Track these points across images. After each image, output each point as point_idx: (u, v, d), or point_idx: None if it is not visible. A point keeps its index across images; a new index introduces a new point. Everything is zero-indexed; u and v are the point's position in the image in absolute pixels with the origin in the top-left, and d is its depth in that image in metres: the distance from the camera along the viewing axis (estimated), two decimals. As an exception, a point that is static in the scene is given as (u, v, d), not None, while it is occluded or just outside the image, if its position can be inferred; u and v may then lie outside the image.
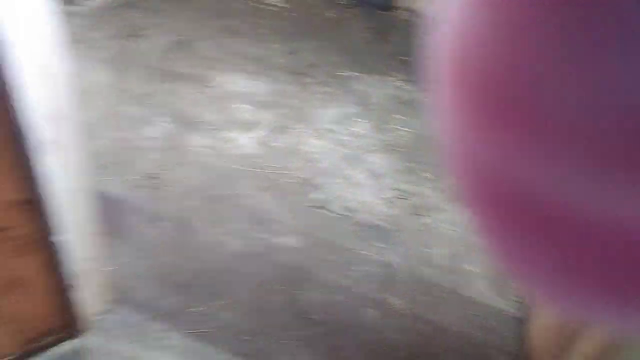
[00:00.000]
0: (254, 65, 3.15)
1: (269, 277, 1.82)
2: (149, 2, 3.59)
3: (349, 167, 2.36)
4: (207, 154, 2.34)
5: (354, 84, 3.05)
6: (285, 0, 4.16)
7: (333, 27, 3.91)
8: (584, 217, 0.13)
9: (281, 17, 3.91)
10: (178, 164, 2.25)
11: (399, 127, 2.63)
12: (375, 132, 2.59)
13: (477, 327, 1.82)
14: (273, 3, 4.18)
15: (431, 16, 0.16)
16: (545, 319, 1.58)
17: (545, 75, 0.12)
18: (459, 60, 0.14)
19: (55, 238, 1.21)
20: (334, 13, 4.17)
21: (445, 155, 0.17)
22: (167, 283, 1.73)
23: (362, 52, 3.38)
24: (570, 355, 1.26)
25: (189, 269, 1.79)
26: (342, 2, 4.31)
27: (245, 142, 2.46)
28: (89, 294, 1.42)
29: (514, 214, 0.15)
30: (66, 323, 1.38)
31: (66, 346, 1.45)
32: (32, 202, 1.13)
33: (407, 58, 3.02)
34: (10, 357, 1.32)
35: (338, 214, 2.12)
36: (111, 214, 1.82)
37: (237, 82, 2.94)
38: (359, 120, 2.70)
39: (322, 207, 2.14)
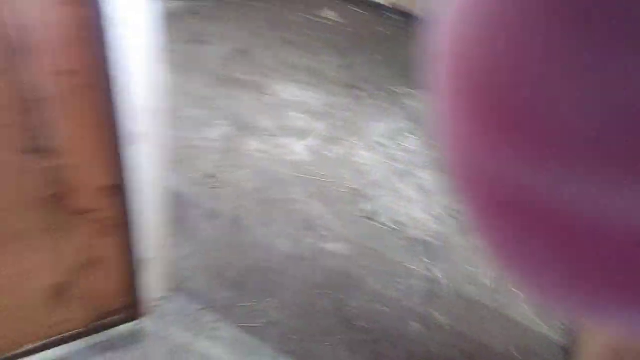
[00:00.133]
0: (308, 76, 3.24)
1: (317, 281, 1.87)
2: (211, 11, 3.77)
3: (399, 181, 2.40)
4: (261, 158, 2.43)
5: (405, 100, 3.10)
6: (340, 15, 4.27)
7: (386, 42, 3.99)
8: (586, 220, 0.13)
9: (336, 31, 4.01)
10: (234, 165, 2.35)
11: (450, 146, 2.64)
12: (426, 149, 2.61)
13: (520, 350, 1.81)
14: (328, 17, 4.30)
15: (430, 20, 0.16)
16: (593, 349, 1.56)
17: (545, 79, 0.12)
18: (457, 64, 0.15)
19: (133, 223, 1.30)
20: (387, 28, 4.25)
21: (446, 161, 0.17)
22: (220, 277, 1.81)
23: (414, 68, 3.42)
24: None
25: (241, 266, 1.86)
26: (395, 18, 4.39)
27: (298, 149, 2.54)
28: (152, 280, 1.51)
29: (516, 218, 0.15)
30: (130, 305, 1.47)
31: (126, 327, 1.54)
32: (118, 188, 1.23)
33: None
34: (79, 331, 1.42)
35: (387, 227, 2.15)
36: (173, 207, 1.92)
37: (292, 92, 3.03)
38: (410, 135, 2.73)
39: (371, 219, 2.18)
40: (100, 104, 1.10)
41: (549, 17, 0.12)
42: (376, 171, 2.45)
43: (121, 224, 1.28)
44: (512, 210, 0.14)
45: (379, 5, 4.57)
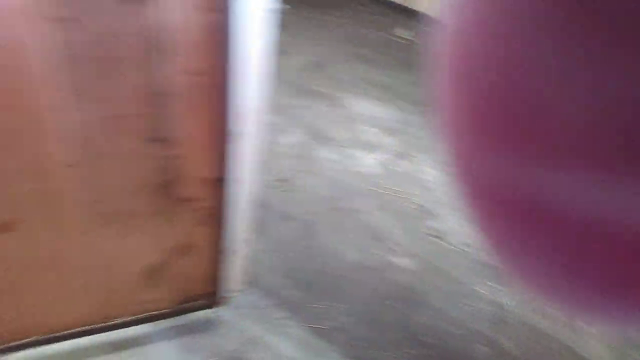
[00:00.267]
0: (381, 91, 3.30)
1: (383, 293, 1.89)
2: (292, 23, 3.92)
3: (469, 202, 2.38)
4: (333, 167, 2.49)
5: (477, 123, 3.08)
6: (414, 34, 4.31)
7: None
8: (585, 219, 0.13)
9: (409, 49, 4.05)
10: (307, 172, 2.43)
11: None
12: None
13: (590, 390, 1.74)
14: (402, 36, 4.35)
15: (434, 30, 0.16)
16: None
17: (543, 78, 0.12)
18: (456, 65, 0.15)
19: (227, 215, 1.39)
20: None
21: (450, 165, 0.17)
22: (291, 277, 1.87)
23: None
24: None
25: (310, 269, 1.92)
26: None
27: (368, 162, 2.59)
28: (233, 272, 1.59)
29: (516, 217, 0.15)
30: (212, 293, 1.56)
31: (205, 313, 1.63)
32: (219, 181, 1.32)
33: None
34: (165, 311, 1.52)
35: (454, 247, 2.14)
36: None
37: (364, 106, 3.09)
38: (482, 158, 2.71)
39: (438, 237, 2.18)
40: (216, 103, 1.19)
41: (544, 14, 0.12)
42: (445, 190, 2.45)
43: (217, 215, 1.38)
44: (512, 209, 0.15)
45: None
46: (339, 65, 3.49)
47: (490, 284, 2.02)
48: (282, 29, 3.98)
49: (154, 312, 1.52)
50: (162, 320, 1.56)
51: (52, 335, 1.43)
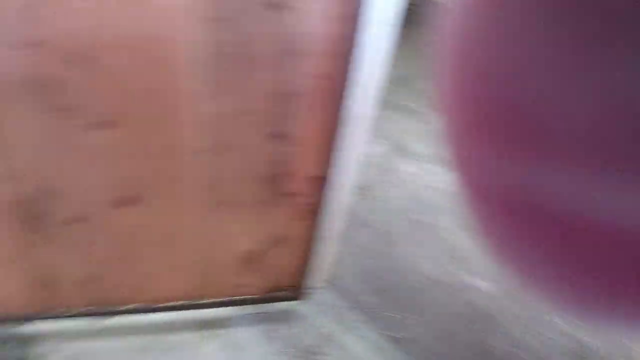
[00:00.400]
0: (466, 111, 3.27)
1: (459, 311, 1.88)
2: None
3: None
4: (415, 181, 2.51)
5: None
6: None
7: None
8: (584, 219, 0.13)
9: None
10: (388, 183, 2.47)
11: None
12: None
13: None
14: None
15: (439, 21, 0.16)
16: None
17: (542, 78, 0.12)
18: (456, 62, 0.15)
19: (324, 214, 1.46)
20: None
21: (453, 166, 0.17)
22: (368, 282, 1.91)
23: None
24: None
25: (388, 277, 1.95)
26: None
27: (450, 179, 2.58)
28: (318, 269, 1.66)
29: (516, 217, 0.15)
30: (296, 286, 1.63)
31: (287, 305, 1.71)
32: (323, 180, 1.39)
33: None
34: (253, 297, 1.61)
35: (536, 275, 2.09)
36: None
37: (448, 123, 3.08)
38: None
39: (519, 263, 2.13)
40: (333, 106, 1.27)
41: (540, 14, 0.12)
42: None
43: (315, 212, 1.45)
44: (513, 210, 0.15)
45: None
46: (424, 80, 3.50)
47: (570, 318, 1.95)
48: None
49: (242, 297, 1.61)
50: (248, 306, 1.65)
51: (149, 305, 1.56)
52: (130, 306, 1.54)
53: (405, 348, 1.69)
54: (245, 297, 1.61)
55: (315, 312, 1.75)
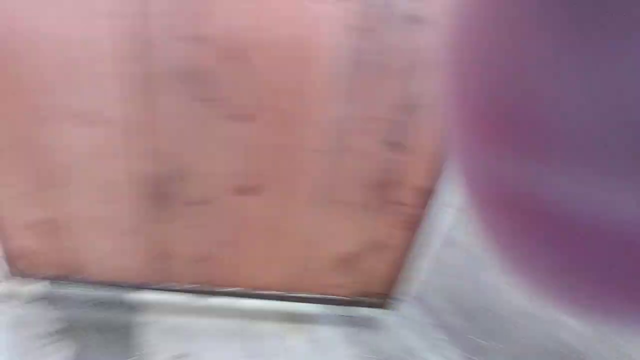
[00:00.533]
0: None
1: (548, 347, 1.80)
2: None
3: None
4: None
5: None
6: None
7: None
8: (587, 221, 0.13)
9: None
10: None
11: None
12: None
13: None
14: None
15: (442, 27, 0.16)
16: None
17: (545, 84, 0.12)
18: (460, 70, 0.15)
19: (427, 226, 1.48)
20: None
21: (456, 166, 0.17)
22: (454, 303, 1.88)
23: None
24: None
25: (474, 300, 1.91)
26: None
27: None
28: (409, 282, 1.67)
29: (516, 215, 0.15)
30: (386, 295, 1.66)
31: (373, 312, 1.73)
32: (430, 192, 1.41)
33: None
34: (344, 299, 1.65)
35: (635, 322, 1.95)
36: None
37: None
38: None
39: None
40: (452, 121, 1.29)
41: (536, 16, 0.12)
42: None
43: (417, 223, 1.47)
44: (512, 208, 0.15)
45: None
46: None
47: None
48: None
49: (332, 297, 1.66)
50: (336, 306, 1.69)
51: (247, 290, 1.65)
52: (230, 289, 1.63)
53: (490, 375, 1.65)
54: (335, 297, 1.66)
55: (400, 324, 1.75)
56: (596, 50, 0.11)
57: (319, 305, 1.68)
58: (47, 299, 1.71)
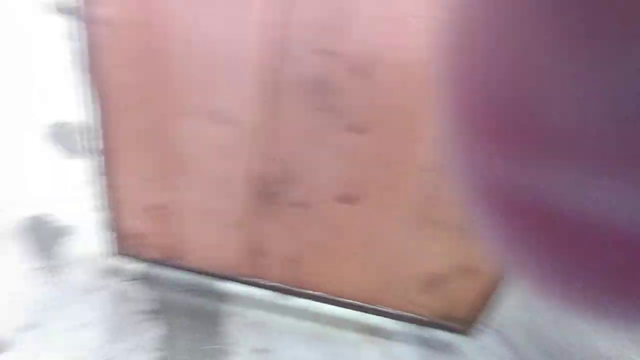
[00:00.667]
0: None
1: (636, 403, 1.69)
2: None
3: None
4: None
5: None
6: None
7: None
8: (586, 221, 0.13)
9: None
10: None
11: None
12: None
13: None
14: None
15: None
16: None
17: (545, 84, 0.12)
18: (460, 71, 0.15)
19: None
20: None
21: (453, 167, 0.17)
22: (534, 341, 1.83)
23: None
24: None
25: (556, 341, 1.84)
26: None
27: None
28: (492, 311, 1.64)
29: (517, 216, 0.15)
30: (466, 321, 1.64)
31: (449, 336, 1.72)
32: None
33: None
34: (423, 319, 1.66)
35: None
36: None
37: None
38: None
39: None
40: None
41: (535, 17, 0.12)
42: None
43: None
44: (513, 209, 0.15)
45: None
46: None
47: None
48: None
49: (413, 315, 1.67)
50: (416, 326, 1.70)
51: (331, 297, 1.70)
52: (314, 292, 1.70)
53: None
54: (416, 316, 1.67)
55: (477, 353, 1.73)
56: (596, 50, 0.11)
57: (398, 321, 1.70)
58: (147, 279, 1.86)
